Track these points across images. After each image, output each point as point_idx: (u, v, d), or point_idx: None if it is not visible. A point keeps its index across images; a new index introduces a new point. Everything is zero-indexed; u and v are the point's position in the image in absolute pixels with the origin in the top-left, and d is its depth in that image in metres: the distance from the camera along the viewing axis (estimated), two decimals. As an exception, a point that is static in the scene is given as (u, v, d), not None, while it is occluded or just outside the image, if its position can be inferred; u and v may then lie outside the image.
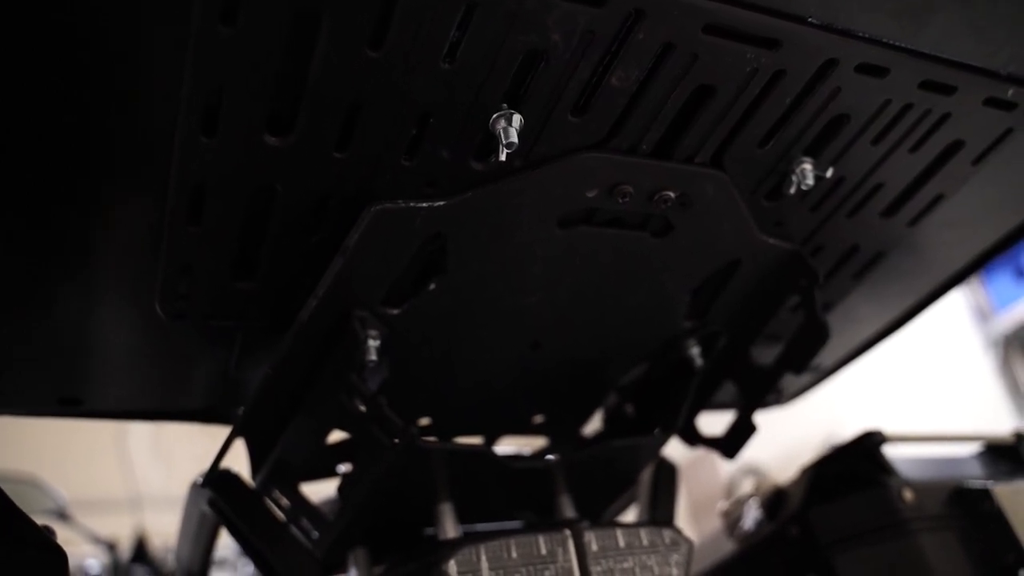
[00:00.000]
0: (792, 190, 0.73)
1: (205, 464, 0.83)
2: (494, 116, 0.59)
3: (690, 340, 0.90)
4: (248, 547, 0.84)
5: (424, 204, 0.64)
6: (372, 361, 0.73)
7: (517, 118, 0.59)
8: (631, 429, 1.00)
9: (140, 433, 3.11)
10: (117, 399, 0.87)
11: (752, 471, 2.67)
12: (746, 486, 2.80)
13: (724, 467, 2.99)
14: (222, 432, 0.82)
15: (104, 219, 0.64)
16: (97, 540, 1.98)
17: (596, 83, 0.60)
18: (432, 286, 0.72)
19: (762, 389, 0.92)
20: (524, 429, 1.00)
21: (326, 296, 0.66)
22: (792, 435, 2.45)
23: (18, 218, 0.60)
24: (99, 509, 2.34)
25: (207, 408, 0.93)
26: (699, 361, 0.90)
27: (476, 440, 1.01)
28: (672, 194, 0.70)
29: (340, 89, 0.55)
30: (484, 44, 0.54)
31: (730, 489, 2.71)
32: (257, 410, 0.78)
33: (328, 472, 0.93)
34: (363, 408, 0.74)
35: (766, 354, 0.93)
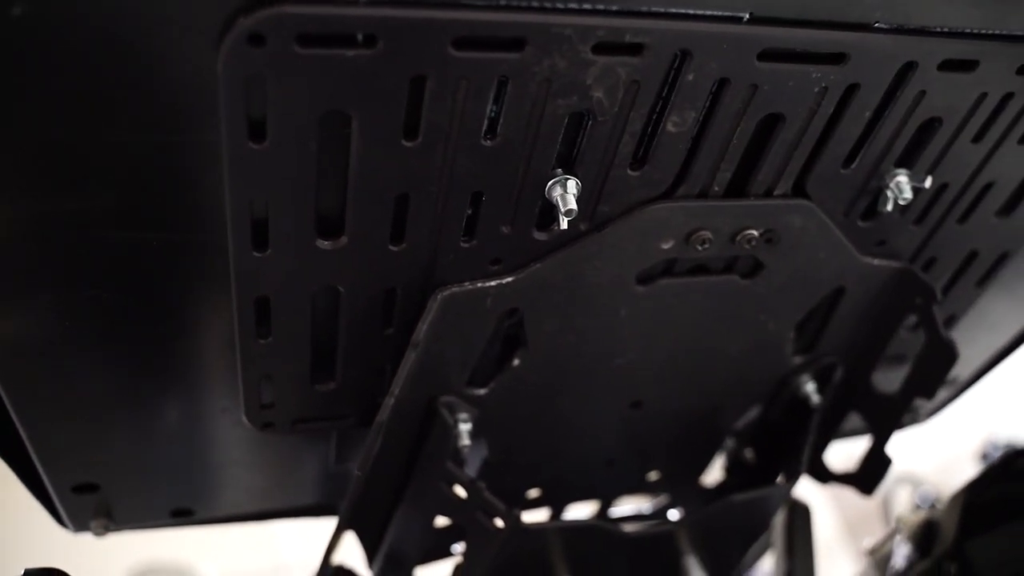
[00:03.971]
0: (889, 206, 0.67)
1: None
2: (549, 184, 0.56)
3: (803, 376, 0.84)
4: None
5: (493, 283, 0.62)
6: (466, 446, 0.70)
7: (573, 183, 0.56)
8: (753, 474, 0.93)
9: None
10: (229, 504, 0.88)
11: (907, 479, 2.49)
12: (902, 496, 2.62)
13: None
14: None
15: (188, 338, 0.64)
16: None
17: (651, 132, 0.57)
18: (516, 361, 0.70)
19: (892, 418, 0.85)
20: (640, 488, 0.95)
21: (404, 392, 0.64)
22: (948, 436, 2.27)
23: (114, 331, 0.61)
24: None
25: (318, 504, 0.93)
26: (815, 398, 0.84)
27: (592, 505, 0.97)
28: (755, 232, 0.65)
29: (383, 183, 0.53)
30: (524, 114, 0.52)
31: (886, 501, 2.54)
32: (358, 505, 0.76)
33: (443, 553, 0.91)
34: (464, 494, 0.71)
35: (891, 378, 0.85)
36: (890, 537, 1.02)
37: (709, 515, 0.82)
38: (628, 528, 0.79)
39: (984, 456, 2.58)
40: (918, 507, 2.05)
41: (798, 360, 0.82)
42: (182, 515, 0.85)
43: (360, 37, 0.44)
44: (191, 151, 0.49)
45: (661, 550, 0.84)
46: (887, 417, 0.85)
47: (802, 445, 0.83)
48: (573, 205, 0.56)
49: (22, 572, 0.61)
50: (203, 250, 0.56)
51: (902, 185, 0.66)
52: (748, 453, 0.94)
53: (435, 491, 0.73)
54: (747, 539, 0.88)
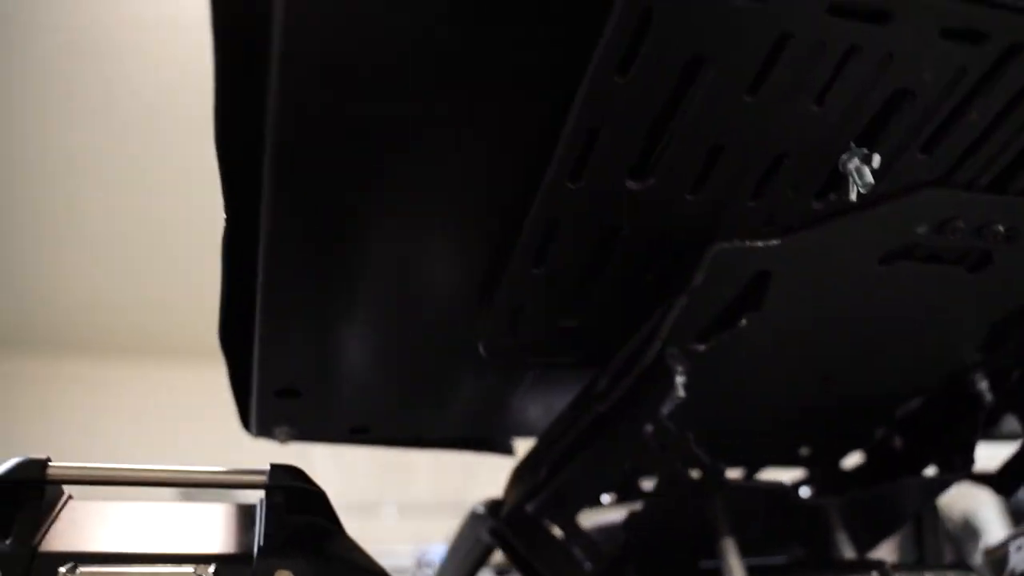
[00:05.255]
0: None
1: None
2: (846, 155, 0.59)
3: (979, 374, 0.87)
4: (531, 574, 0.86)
5: (760, 243, 0.64)
6: (680, 397, 0.73)
7: (876, 157, 0.58)
8: (900, 463, 0.96)
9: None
10: (398, 428, 0.91)
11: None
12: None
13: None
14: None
15: (438, 261, 0.67)
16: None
17: (953, 119, 0.59)
18: (743, 322, 0.72)
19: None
20: (788, 461, 0.98)
21: (660, 334, 0.67)
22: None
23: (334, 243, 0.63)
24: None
25: (469, 436, 0.97)
26: (989, 396, 0.87)
27: (737, 472, 1.00)
28: (1001, 228, 0.68)
29: (708, 133, 0.55)
30: (856, 85, 0.54)
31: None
32: (547, 445, 0.79)
33: (594, 502, 0.95)
34: (664, 443, 0.74)
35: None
36: (1008, 541, 1.05)
37: (873, 496, 0.85)
38: (800, 495, 0.82)
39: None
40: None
41: (979, 357, 0.85)
42: (359, 432, 0.89)
43: None
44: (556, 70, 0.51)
45: (812, 521, 0.87)
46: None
47: (971, 441, 0.86)
48: (871, 179, 0.58)
49: (268, 465, 0.64)
50: (502, 175, 0.59)
51: None
52: (897, 441, 0.97)
53: (635, 439, 0.76)
54: (894, 523, 0.92)
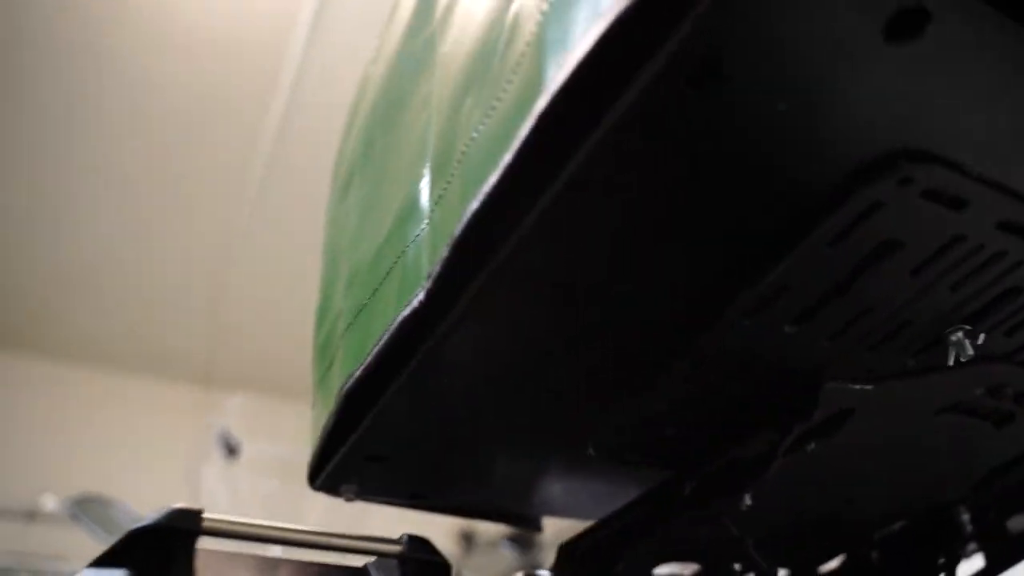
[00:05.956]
0: None
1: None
2: (953, 329, 0.69)
3: (963, 507, 0.99)
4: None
5: (858, 386, 0.74)
6: (748, 506, 0.81)
7: (982, 336, 0.69)
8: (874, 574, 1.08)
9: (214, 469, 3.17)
10: (451, 496, 0.95)
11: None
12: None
13: None
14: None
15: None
16: None
17: None
18: (812, 446, 0.81)
19: (1010, 559, 1.01)
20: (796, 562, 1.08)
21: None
22: None
23: None
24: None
25: (504, 509, 1.01)
26: (969, 528, 0.99)
27: None
28: (1033, 395, 0.80)
29: (868, 298, 0.64)
30: (989, 280, 0.65)
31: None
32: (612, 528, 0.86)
33: None
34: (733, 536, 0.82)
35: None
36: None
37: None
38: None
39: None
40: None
41: (969, 494, 0.98)
42: (417, 498, 0.92)
43: None
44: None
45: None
46: (1006, 558, 1.01)
47: (952, 566, 0.98)
48: (971, 352, 0.69)
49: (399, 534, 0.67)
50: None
51: None
52: (875, 555, 1.08)
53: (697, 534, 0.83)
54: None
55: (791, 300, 0.63)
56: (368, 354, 0.72)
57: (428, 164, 0.70)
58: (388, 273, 0.72)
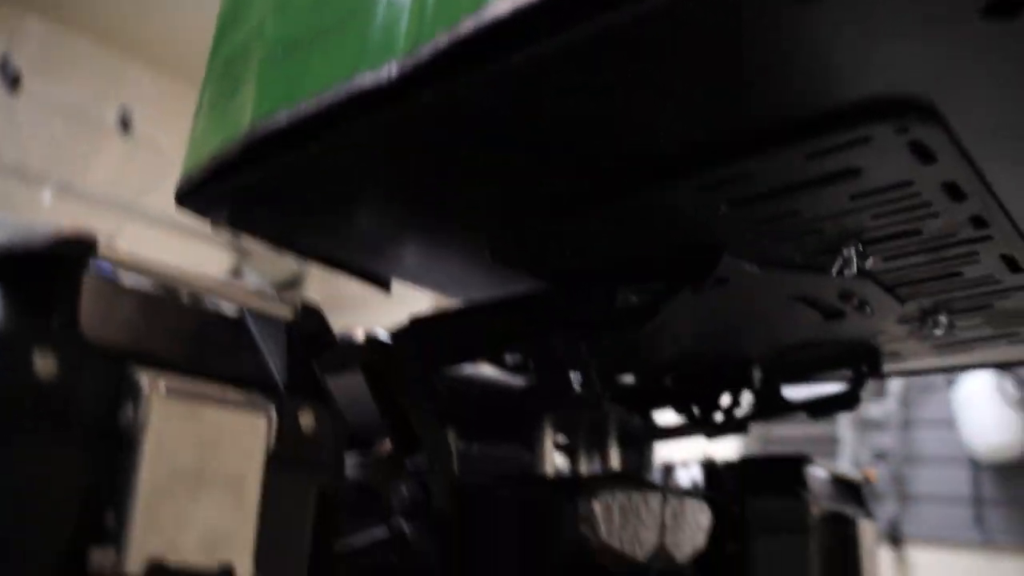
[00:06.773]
0: None
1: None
2: (852, 245, 0.75)
3: (756, 366, 1.14)
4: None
5: (748, 267, 0.79)
6: None
7: (870, 260, 0.75)
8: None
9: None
10: (317, 247, 0.94)
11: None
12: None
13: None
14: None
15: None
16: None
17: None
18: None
19: (771, 413, 1.19)
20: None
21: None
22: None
23: None
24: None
25: (361, 264, 1.01)
26: (756, 382, 1.14)
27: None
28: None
29: None
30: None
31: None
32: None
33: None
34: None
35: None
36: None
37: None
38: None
39: None
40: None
41: (767, 356, 1.11)
42: (279, 240, 0.91)
43: None
44: None
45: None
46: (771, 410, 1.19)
47: (730, 407, 1.14)
48: (855, 267, 0.75)
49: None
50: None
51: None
52: (668, 380, 1.22)
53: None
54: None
55: (743, 188, 0.65)
56: (298, 103, 0.66)
57: None
58: (342, 24, 0.64)
